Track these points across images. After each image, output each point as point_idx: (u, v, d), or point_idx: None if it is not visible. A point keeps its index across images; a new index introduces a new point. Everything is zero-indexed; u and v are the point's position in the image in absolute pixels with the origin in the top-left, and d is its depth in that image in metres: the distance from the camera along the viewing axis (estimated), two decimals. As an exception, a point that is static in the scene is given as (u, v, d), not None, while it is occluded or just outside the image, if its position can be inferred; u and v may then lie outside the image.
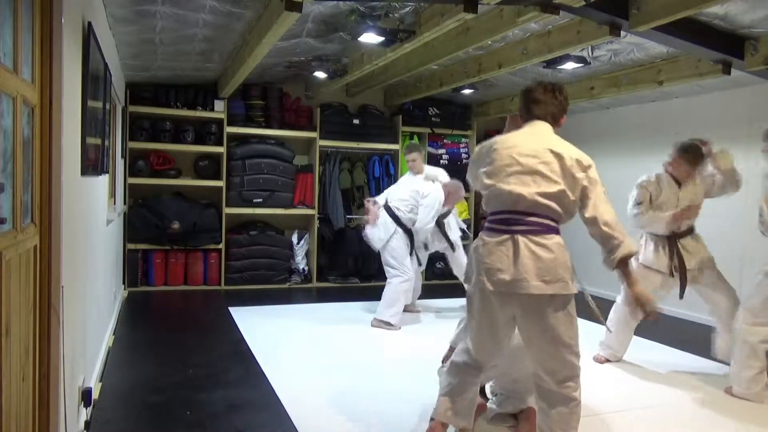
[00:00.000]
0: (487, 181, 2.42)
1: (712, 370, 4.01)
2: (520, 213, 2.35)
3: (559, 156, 2.37)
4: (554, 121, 2.56)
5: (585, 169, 2.40)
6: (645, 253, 4.05)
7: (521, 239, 2.31)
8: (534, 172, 2.35)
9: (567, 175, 2.36)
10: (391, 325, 4.89)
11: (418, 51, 4.78)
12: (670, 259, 3.94)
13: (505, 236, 2.33)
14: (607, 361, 4.18)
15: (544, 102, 2.54)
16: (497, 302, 2.38)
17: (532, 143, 2.42)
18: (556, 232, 2.38)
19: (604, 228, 2.36)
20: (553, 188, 2.34)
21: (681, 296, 3.96)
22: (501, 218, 2.38)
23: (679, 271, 3.91)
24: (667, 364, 4.14)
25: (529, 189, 2.33)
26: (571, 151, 2.43)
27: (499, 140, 2.50)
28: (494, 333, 2.47)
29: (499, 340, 2.49)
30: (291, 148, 6.78)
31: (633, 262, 3.89)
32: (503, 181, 2.38)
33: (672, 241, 3.98)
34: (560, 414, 2.37)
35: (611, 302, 4.32)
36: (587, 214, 2.39)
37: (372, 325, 4.93)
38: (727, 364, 3.72)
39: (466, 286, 2.57)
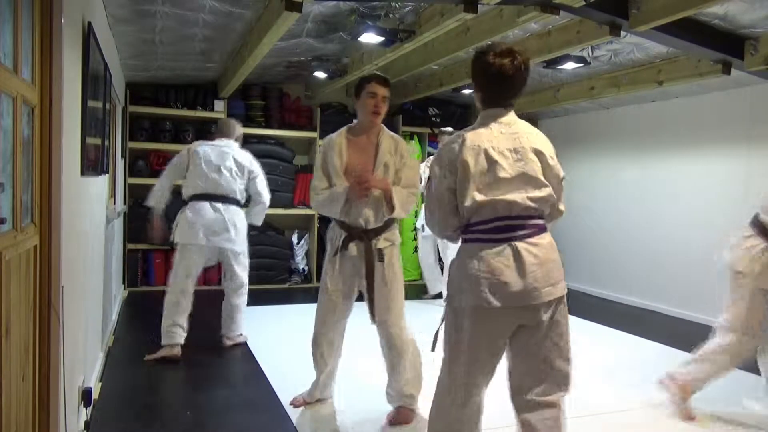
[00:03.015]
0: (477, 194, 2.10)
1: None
2: (514, 218, 2.09)
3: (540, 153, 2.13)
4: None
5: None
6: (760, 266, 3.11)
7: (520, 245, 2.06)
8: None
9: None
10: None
11: (418, 51, 4.78)
12: None
13: (503, 245, 2.07)
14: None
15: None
16: (501, 319, 2.08)
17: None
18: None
19: None
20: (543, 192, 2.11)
21: None
22: (493, 226, 2.09)
23: None
24: (667, 364, 4.13)
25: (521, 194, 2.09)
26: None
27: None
28: (493, 354, 2.13)
29: (494, 363, 2.16)
30: (291, 148, 6.78)
31: (730, 272, 3.27)
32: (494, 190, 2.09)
33: None
34: (545, 420, 2.10)
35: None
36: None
37: None
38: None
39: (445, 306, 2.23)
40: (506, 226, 2.07)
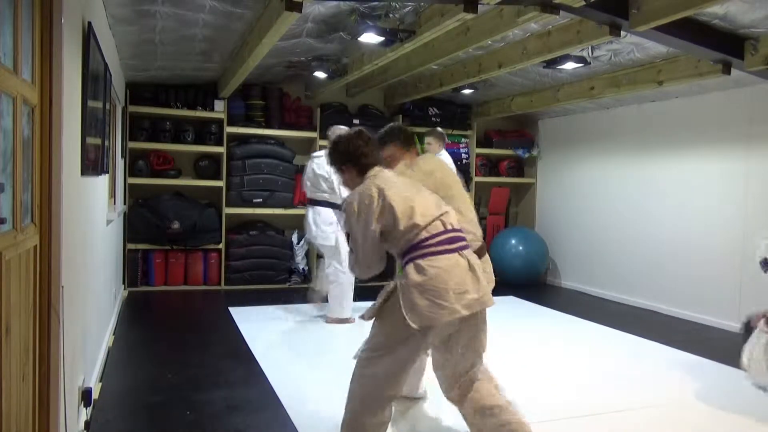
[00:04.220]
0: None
1: (712, 368, 4.02)
2: (456, 230, 2.40)
3: None
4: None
5: None
6: None
7: (466, 255, 2.35)
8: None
9: None
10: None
11: (418, 51, 4.78)
12: None
13: (454, 255, 2.32)
14: None
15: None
16: (448, 328, 2.32)
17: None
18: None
19: None
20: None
21: None
22: (444, 239, 2.33)
23: None
24: (668, 364, 4.14)
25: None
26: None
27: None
28: (414, 361, 2.44)
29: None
30: (291, 148, 6.78)
31: None
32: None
33: None
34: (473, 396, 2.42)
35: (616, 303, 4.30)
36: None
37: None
38: None
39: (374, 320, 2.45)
40: (454, 237, 2.37)
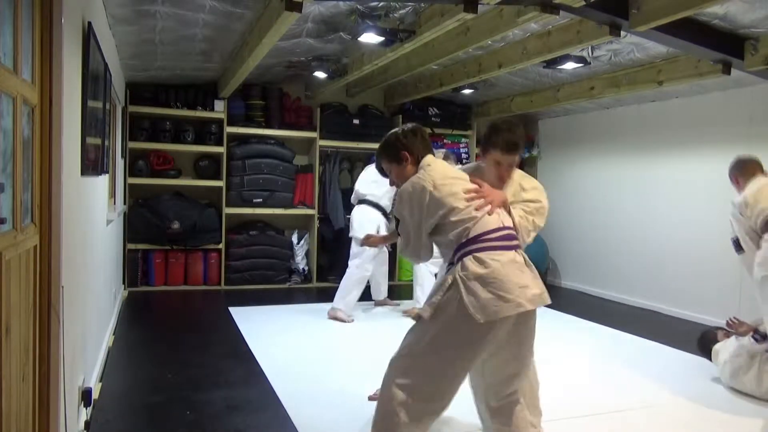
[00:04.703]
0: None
1: (712, 368, 4.01)
2: (511, 228, 2.33)
3: None
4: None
5: None
6: None
7: (521, 253, 2.27)
8: None
9: None
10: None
11: (418, 51, 4.78)
12: None
13: (511, 252, 2.22)
14: None
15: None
16: (507, 325, 2.14)
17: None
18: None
19: None
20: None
21: None
22: (500, 235, 2.24)
23: None
24: (668, 364, 4.14)
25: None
26: None
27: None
28: (469, 369, 2.23)
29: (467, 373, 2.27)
30: (291, 148, 6.79)
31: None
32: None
33: None
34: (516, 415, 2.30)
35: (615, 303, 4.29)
36: None
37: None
38: None
39: (427, 316, 2.20)
40: (508, 235, 2.30)
